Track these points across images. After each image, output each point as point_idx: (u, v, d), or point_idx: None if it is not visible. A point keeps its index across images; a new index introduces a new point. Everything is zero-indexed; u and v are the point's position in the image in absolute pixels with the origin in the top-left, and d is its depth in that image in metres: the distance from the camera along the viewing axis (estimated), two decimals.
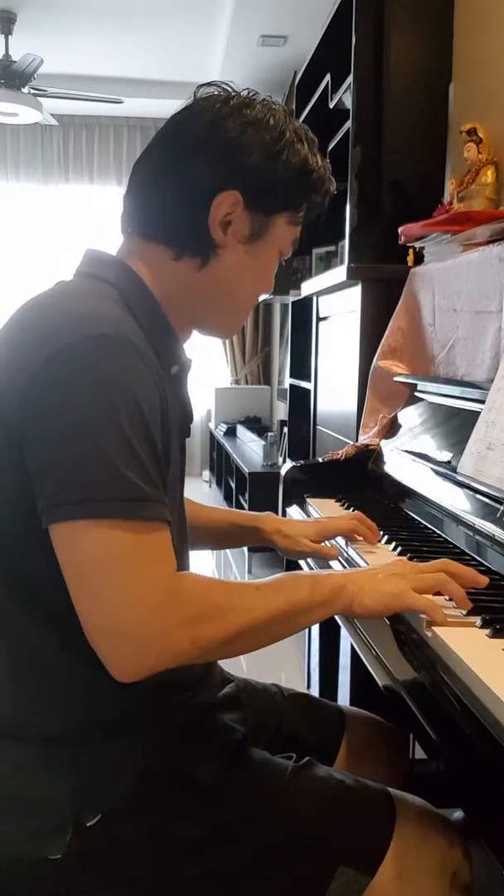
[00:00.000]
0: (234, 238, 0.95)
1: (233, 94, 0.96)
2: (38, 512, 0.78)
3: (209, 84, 0.97)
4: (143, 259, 0.95)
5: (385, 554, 1.20)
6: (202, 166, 0.93)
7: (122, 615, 0.76)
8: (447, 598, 0.92)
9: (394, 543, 1.22)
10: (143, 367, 0.81)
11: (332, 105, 2.60)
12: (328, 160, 1.00)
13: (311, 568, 1.38)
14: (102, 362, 0.78)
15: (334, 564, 1.22)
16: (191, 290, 0.96)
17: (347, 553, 1.24)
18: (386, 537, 1.26)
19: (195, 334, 1.03)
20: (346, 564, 1.21)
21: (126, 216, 0.97)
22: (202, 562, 4.44)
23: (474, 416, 1.27)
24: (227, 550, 4.46)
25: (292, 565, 1.21)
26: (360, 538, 1.23)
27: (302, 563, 1.36)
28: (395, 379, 1.77)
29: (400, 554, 1.17)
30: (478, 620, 0.88)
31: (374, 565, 0.99)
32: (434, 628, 0.87)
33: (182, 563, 0.99)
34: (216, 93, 0.96)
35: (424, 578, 0.91)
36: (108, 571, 0.77)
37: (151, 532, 0.79)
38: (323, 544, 1.23)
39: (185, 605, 0.80)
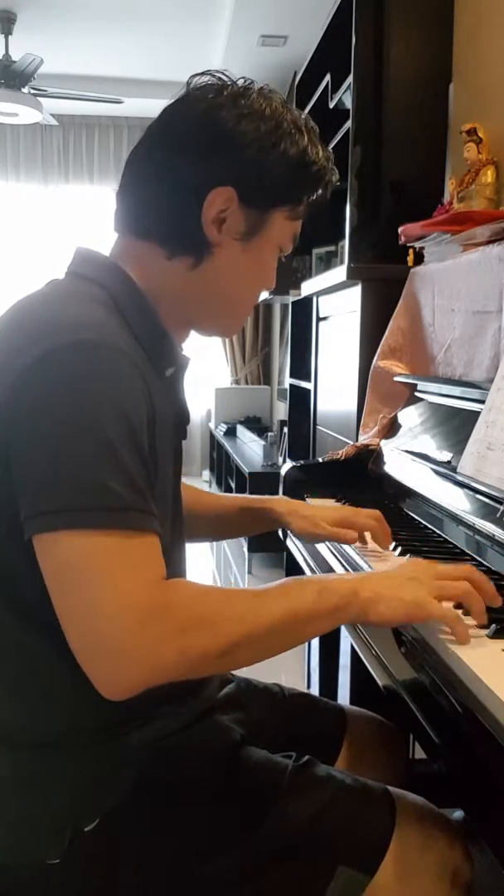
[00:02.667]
0: (228, 236, 0.92)
1: (228, 83, 0.92)
2: (21, 521, 0.76)
3: (203, 73, 0.93)
4: (135, 258, 0.92)
5: (393, 561, 1.15)
6: (195, 161, 0.89)
7: (103, 628, 0.73)
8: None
9: (394, 544, 1.21)
10: (128, 372, 0.79)
11: (332, 105, 2.60)
12: (330, 150, 0.96)
13: (312, 571, 1.36)
14: (85, 367, 0.76)
15: (336, 567, 1.20)
16: (185, 290, 0.93)
17: (352, 558, 1.21)
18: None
19: (194, 335, 1.02)
20: (347, 567, 1.20)
21: (118, 214, 0.95)
22: (200, 562, 4.43)
23: (474, 416, 1.27)
24: (227, 550, 4.46)
25: (292, 566, 1.19)
26: (372, 543, 1.18)
27: (304, 566, 1.33)
28: (395, 379, 1.77)
29: (400, 555, 1.17)
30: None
31: (386, 567, 0.92)
32: (437, 631, 0.86)
33: (178, 567, 0.98)
34: (210, 82, 0.92)
35: (446, 587, 0.84)
36: (87, 583, 0.73)
37: (134, 540, 0.76)
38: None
39: (171, 615, 0.75)
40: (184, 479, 1.03)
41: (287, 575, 1.76)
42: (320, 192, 0.96)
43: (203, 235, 0.91)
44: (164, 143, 0.92)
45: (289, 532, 1.19)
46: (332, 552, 1.29)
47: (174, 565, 0.95)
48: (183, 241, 0.91)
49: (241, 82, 0.93)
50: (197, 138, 0.90)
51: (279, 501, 1.21)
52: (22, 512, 0.76)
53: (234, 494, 1.28)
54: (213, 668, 0.82)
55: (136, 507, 0.76)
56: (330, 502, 1.61)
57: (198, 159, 0.89)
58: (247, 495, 1.26)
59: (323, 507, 1.22)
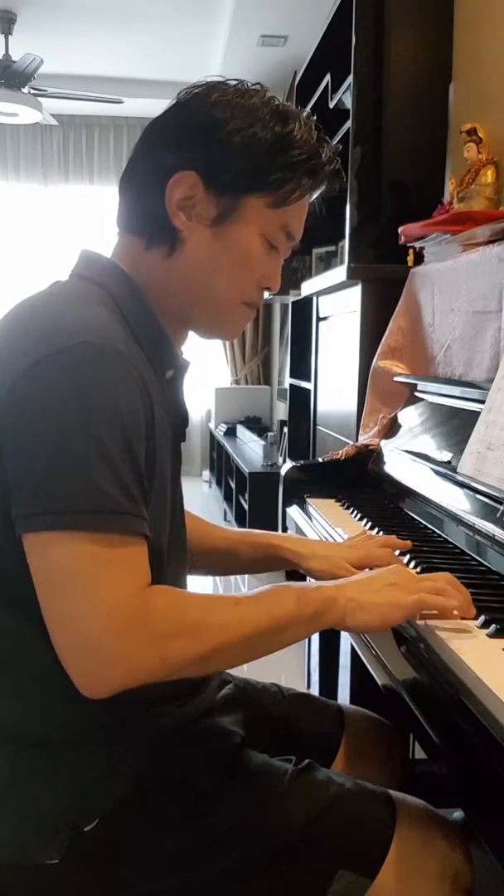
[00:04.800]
0: (198, 222, 0.91)
1: (211, 83, 0.93)
2: (12, 521, 0.77)
3: (196, 84, 0.94)
4: (125, 253, 0.94)
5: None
6: (160, 150, 0.91)
7: (86, 631, 0.74)
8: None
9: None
10: (127, 376, 0.79)
11: (332, 105, 2.60)
12: (334, 143, 0.94)
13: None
14: (83, 371, 0.76)
15: None
16: (165, 281, 0.93)
17: None
18: (381, 534, 1.25)
19: (196, 338, 1.01)
20: None
21: (117, 212, 0.97)
22: None
23: (474, 416, 1.27)
24: None
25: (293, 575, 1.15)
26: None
27: None
28: (395, 379, 1.77)
29: (401, 555, 1.17)
30: (478, 620, 0.88)
31: (367, 574, 0.94)
32: (436, 631, 0.86)
33: (178, 574, 0.97)
34: (196, 87, 0.93)
35: (424, 587, 0.88)
36: (73, 585, 0.74)
37: (122, 546, 0.76)
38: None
39: (153, 621, 0.76)
40: (183, 479, 1.02)
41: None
42: (306, 179, 0.93)
43: (169, 222, 0.91)
44: (144, 140, 0.94)
45: (305, 573, 1.13)
46: None
47: (175, 568, 0.95)
48: (152, 229, 0.92)
49: (232, 82, 0.93)
50: (167, 128, 0.92)
51: (291, 540, 1.16)
52: (14, 510, 0.76)
53: (238, 529, 1.24)
54: (193, 672, 0.83)
55: (128, 510, 0.77)
56: (330, 503, 1.61)
57: (162, 148, 0.91)
58: (252, 530, 1.21)
59: (338, 546, 1.17)
